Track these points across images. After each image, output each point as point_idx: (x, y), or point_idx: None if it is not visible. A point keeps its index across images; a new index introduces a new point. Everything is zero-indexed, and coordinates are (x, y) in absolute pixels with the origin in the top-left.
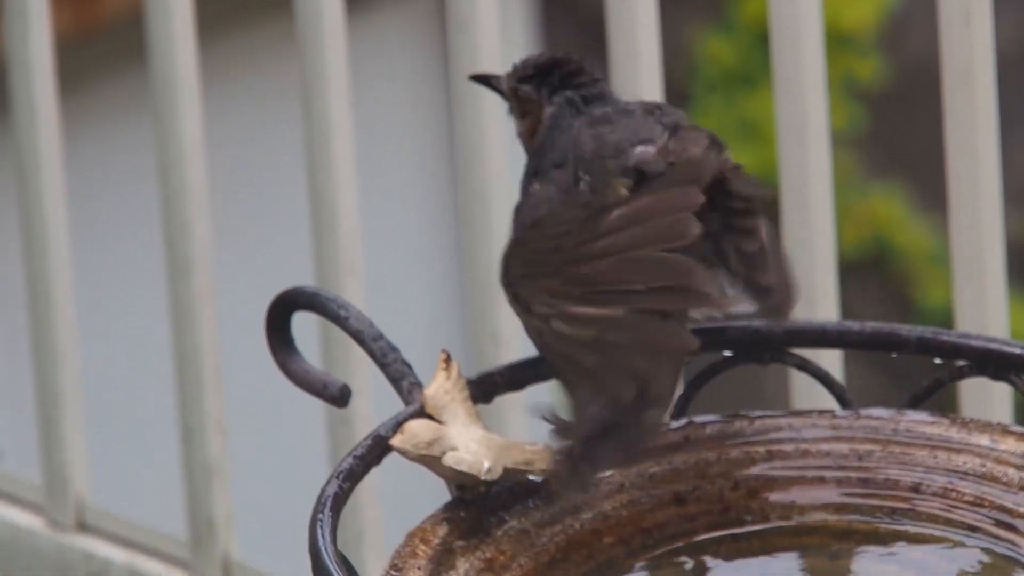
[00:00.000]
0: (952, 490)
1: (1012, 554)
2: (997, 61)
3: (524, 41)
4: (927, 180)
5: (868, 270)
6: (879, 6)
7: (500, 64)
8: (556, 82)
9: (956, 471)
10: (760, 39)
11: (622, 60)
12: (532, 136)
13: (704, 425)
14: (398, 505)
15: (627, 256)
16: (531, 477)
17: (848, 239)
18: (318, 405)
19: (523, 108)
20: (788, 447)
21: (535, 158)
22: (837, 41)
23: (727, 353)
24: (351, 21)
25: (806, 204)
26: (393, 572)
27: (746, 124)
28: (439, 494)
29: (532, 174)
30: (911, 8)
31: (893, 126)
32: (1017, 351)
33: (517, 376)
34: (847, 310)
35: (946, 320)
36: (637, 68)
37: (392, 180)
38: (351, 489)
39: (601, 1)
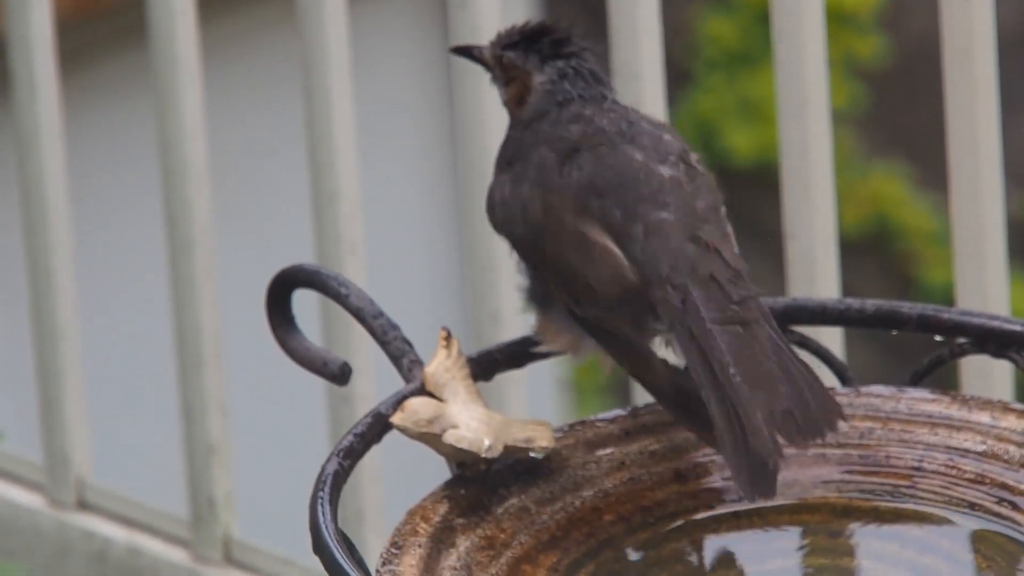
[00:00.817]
0: (953, 467)
1: (1012, 532)
2: (997, 43)
3: (525, 19)
4: (928, 159)
5: (869, 249)
6: None
7: None
8: (545, 49)
9: (957, 448)
10: (760, 18)
11: (623, 39)
12: (519, 103)
13: None
14: (399, 483)
15: None
16: (532, 454)
17: (849, 218)
18: (319, 384)
19: (508, 75)
20: None
21: (528, 129)
22: (838, 20)
23: None
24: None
25: (807, 182)
26: (394, 550)
27: (747, 103)
28: (440, 472)
29: (519, 154)
30: None
31: (894, 105)
32: (1018, 328)
33: (517, 354)
34: (848, 289)
35: (947, 299)
36: (638, 47)
37: (393, 159)
38: (351, 467)
39: None
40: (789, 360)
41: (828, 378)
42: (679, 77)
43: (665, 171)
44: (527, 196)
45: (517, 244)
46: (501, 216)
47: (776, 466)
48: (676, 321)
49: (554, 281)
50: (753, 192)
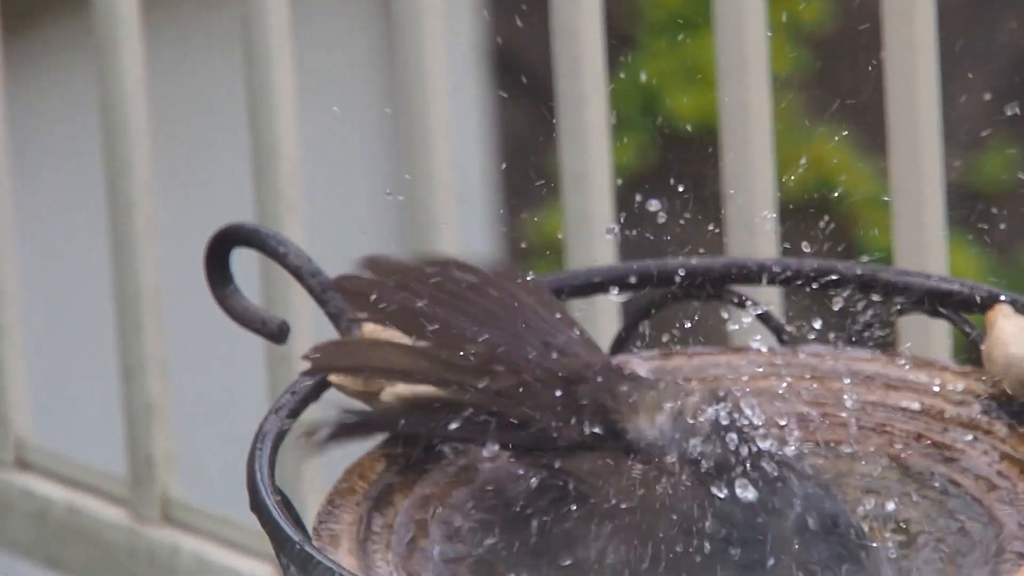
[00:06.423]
0: (890, 426)
1: (948, 490)
2: (938, 6)
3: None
4: (871, 124)
5: (812, 213)
6: None
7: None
8: None
9: (894, 408)
10: None
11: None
12: None
13: (642, 362)
14: None
15: None
16: None
17: (792, 183)
18: (258, 344)
19: None
20: (726, 384)
21: None
22: None
23: (664, 290)
24: None
25: (747, 144)
26: (331, 507)
27: (691, 67)
28: None
29: None
30: None
31: (837, 70)
32: (955, 287)
33: None
34: (791, 252)
35: (890, 262)
36: (578, 6)
37: (334, 117)
38: (289, 425)
39: None
40: None
41: (767, 337)
42: (622, 41)
43: None
44: None
45: None
46: None
47: None
48: None
49: None
50: (697, 155)
